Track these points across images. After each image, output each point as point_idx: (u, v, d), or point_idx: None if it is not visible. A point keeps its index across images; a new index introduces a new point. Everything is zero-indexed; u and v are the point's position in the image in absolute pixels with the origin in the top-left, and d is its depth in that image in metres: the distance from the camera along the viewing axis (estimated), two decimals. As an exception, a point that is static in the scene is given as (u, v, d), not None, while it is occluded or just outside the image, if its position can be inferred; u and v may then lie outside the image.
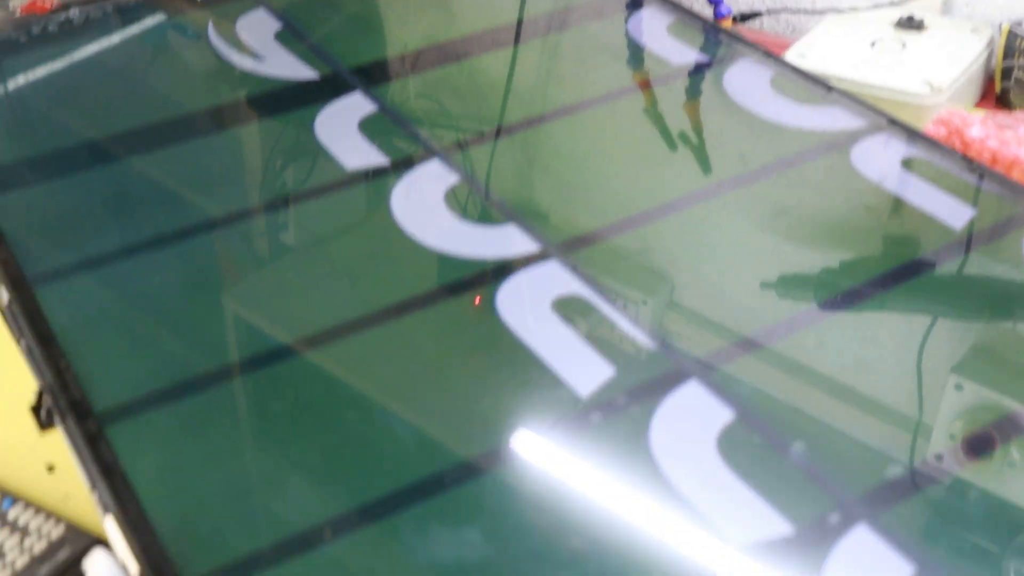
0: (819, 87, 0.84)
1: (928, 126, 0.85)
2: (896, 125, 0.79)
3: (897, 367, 0.63)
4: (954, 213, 0.72)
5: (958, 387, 0.61)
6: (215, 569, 0.50)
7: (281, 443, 0.58)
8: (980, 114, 0.86)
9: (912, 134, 0.79)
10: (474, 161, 0.77)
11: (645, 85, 0.87)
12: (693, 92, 0.86)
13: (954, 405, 0.60)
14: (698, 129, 0.83)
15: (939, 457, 0.57)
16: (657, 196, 0.75)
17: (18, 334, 0.61)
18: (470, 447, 0.56)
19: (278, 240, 0.73)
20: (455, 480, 0.55)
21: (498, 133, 0.82)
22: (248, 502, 0.55)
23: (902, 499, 0.55)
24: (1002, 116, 0.87)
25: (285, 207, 0.75)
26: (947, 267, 0.70)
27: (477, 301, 0.66)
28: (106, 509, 0.52)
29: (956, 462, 0.57)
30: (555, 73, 0.89)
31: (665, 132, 0.82)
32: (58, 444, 0.58)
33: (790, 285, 0.69)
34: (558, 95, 0.87)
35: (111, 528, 0.51)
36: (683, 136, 0.81)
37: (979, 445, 0.57)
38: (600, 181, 0.78)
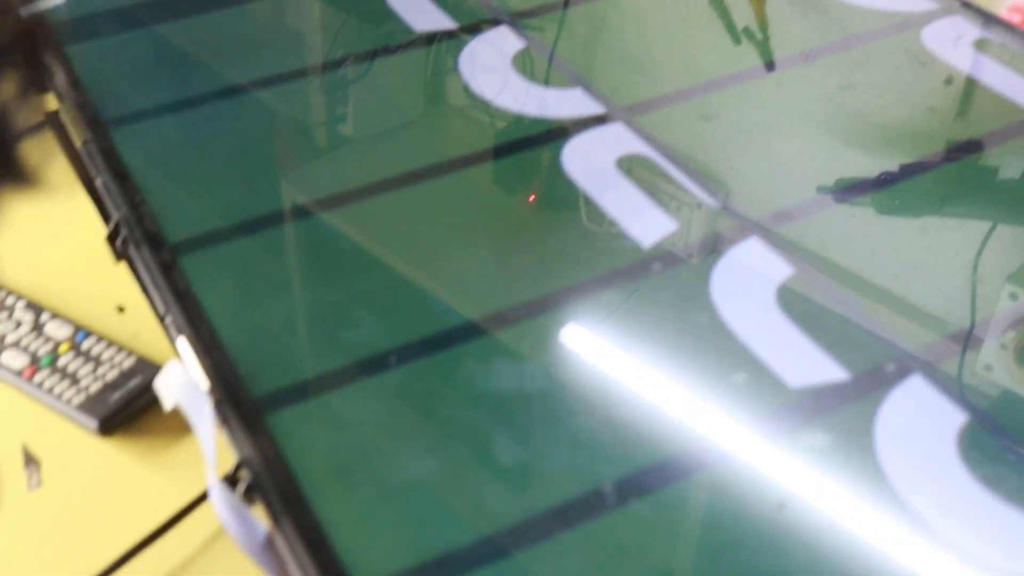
0: (892, -30, 0.82)
1: (1002, 12, 0.84)
2: (969, 8, 0.78)
3: (951, 271, 0.63)
4: (1025, 92, 0.72)
5: (1013, 296, 0.60)
6: (283, 388, 0.51)
7: (347, 278, 0.59)
8: (1056, 3, 0.85)
9: (986, 17, 0.78)
10: (541, 29, 0.77)
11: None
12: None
13: (1008, 314, 0.60)
14: (763, 8, 0.82)
15: (989, 367, 0.57)
16: (722, 68, 0.75)
17: (95, 172, 0.63)
18: (533, 290, 0.57)
19: (347, 94, 0.74)
20: (515, 318, 0.56)
21: (566, 3, 0.82)
22: (315, 330, 0.56)
23: (957, 356, 0.56)
24: (1080, 7, 0.86)
25: (354, 64, 0.76)
26: (1015, 144, 0.69)
27: (532, 199, 0.67)
28: (179, 331, 0.53)
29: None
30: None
31: (731, 9, 0.81)
32: (127, 287, 0.60)
33: (847, 174, 0.68)
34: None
35: (183, 348, 0.53)
36: (751, 13, 0.81)
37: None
38: (665, 52, 0.78)
